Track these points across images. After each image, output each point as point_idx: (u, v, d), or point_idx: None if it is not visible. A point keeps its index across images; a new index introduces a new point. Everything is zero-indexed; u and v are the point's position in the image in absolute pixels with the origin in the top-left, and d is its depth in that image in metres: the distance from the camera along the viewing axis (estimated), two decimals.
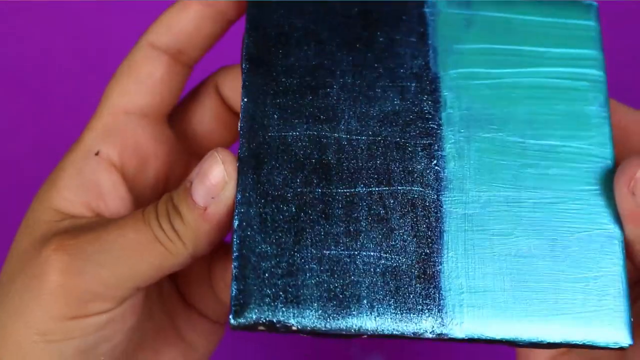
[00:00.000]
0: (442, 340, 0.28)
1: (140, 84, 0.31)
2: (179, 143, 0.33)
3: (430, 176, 0.29)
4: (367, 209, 0.28)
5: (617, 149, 0.30)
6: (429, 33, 0.30)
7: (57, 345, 0.28)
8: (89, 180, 0.30)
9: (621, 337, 0.28)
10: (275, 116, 0.29)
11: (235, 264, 0.27)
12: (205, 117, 0.33)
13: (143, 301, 0.30)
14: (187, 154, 0.33)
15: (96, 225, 0.29)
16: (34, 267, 0.28)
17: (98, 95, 0.50)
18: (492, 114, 0.29)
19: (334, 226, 0.28)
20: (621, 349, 0.28)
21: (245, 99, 0.29)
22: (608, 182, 0.29)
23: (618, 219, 0.28)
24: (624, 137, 0.31)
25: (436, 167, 0.29)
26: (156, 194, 0.32)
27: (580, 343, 0.28)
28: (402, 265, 0.28)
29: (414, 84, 0.29)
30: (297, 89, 0.29)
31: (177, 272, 0.31)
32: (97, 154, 0.30)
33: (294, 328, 0.27)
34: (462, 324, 0.28)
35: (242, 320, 0.27)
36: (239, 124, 0.29)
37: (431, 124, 0.29)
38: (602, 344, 0.28)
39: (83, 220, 0.30)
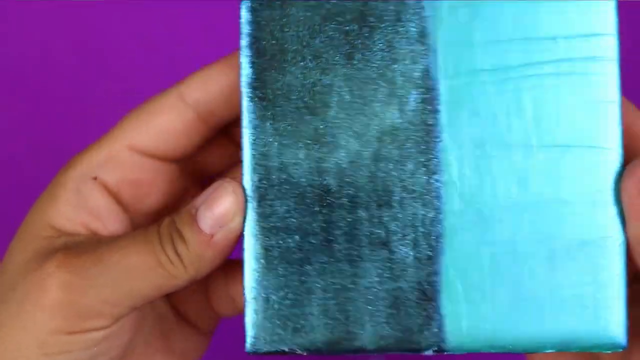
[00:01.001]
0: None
1: (154, 129, 0.31)
2: (182, 174, 0.33)
3: (431, 194, 0.28)
4: (368, 233, 0.28)
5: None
6: (429, 33, 0.29)
7: (54, 358, 0.29)
8: (86, 201, 0.30)
9: (617, 340, 0.28)
10: (275, 144, 0.29)
11: (245, 297, 0.29)
12: (214, 154, 0.33)
13: (138, 320, 0.31)
14: (188, 181, 0.33)
15: (97, 244, 0.29)
16: (34, 280, 0.29)
17: (98, 95, 0.50)
18: (496, 115, 0.28)
19: (336, 253, 0.28)
20: (616, 351, 0.28)
21: (245, 126, 0.29)
22: (613, 182, 0.28)
23: (621, 221, 0.28)
24: (631, 139, 0.30)
25: (436, 184, 0.28)
26: (153, 219, 0.32)
27: (577, 348, 0.28)
28: (403, 288, 0.28)
29: (413, 94, 0.29)
30: (296, 110, 0.29)
31: None
32: (94, 178, 0.30)
33: (303, 354, 0.28)
34: (462, 340, 0.28)
35: (255, 350, 0.29)
36: (241, 154, 0.29)
37: (430, 136, 0.29)
38: (597, 348, 0.28)
39: (80, 237, 0.30)
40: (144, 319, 0.32)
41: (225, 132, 0.32)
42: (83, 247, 0.29)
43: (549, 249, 0.28)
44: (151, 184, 0.31)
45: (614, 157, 0.28)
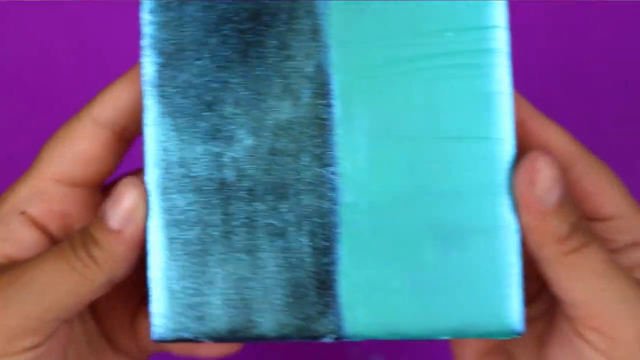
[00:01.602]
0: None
1: (75, 157, 0.31)
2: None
3: (325, 186, 0.29)
4: (265, 225, 0.29)
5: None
6: (322, 30, 0.29)
7: None
8: (13, 235, 0.31)
9: (513, 326, 0.29)
10: (175, 139, 0.30)
11: (149, 286, 0.30)
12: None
13: (68, 340, 0.32)
14: None
15: (15, 266, 0.30)
16: None
17: None
18: (389, 108, 0.29)
19: (236, 244, 0.29)
20: (514, 337, 0.29)
21: (147, 124, 0.30)
22: (506, 172, 0.29)
23: (514, 210, 0.29)
24: (525, 134, 0.31)
25: (331, 176, 0.29)
26: None
27: (474, 335, 0.29)
28: (301, 277, 0.29)
29: (307, 89, 0.29)
30: (193, 106, 0.30)
31: (101, 314, 0.33)
32: (22, 213, 0.31)
33: (205, 342, 0.30)
34: (360, 328, 0.29)
35: (160, 338, 0.30)
36: (143, 149, 0.30)
37: (325, 130, 0.29)
38: (494, 335, 0.29)
39: (2, 266, 0.31)
40: (75, 343, 0.32)
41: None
42: (2, 271, 0.30)
43: (443, 238, 0.29)
44: (78, 213, 0.32)
45: (506, 147, 0.29)
